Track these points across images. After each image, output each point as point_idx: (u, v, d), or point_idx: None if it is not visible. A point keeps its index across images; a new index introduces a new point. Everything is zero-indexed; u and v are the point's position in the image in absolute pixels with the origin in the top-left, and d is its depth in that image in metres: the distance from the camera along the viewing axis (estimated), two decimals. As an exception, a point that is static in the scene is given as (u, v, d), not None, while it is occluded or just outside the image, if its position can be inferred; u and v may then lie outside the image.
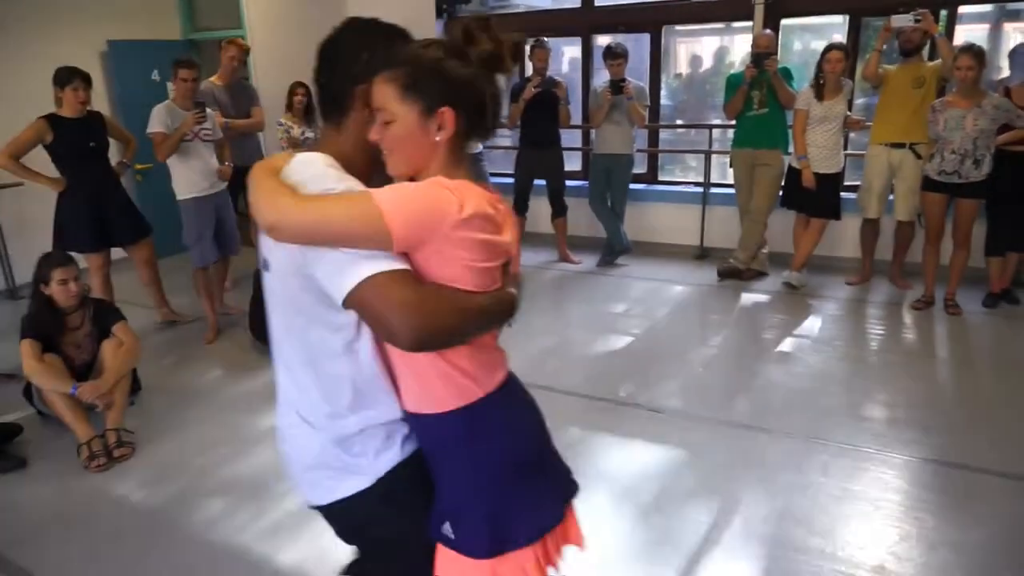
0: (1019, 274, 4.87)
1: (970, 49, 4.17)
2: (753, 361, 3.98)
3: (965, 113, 4.19)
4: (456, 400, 1.28)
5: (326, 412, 1.31)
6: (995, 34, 6.08)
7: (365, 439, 1.31)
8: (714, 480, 2.83)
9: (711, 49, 7.56)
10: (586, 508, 2.68)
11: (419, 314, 1.13)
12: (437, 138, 1.24)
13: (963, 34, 5.41)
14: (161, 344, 4.48)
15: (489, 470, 1.32)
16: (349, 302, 1.17)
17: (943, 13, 5.20)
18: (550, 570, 1.38)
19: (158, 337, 4.60)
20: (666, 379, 3.75)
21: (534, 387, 3.69)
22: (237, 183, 4.97)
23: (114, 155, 4.55)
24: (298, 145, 5.36)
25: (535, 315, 4.93)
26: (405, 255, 1.17)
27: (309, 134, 5.44)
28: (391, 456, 1.32)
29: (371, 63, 1.27)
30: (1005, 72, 5.53)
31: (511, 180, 5.97)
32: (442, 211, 1.15)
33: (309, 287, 1.22)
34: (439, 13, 6.89)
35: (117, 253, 4.53)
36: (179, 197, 4.39)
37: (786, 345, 4.16)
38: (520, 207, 5.90)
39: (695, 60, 7.75)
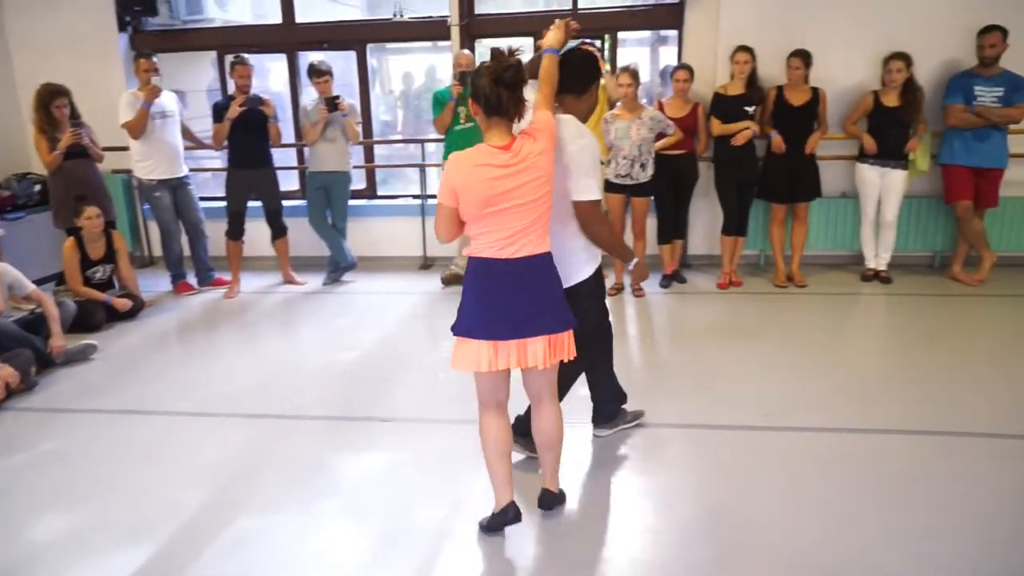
0: (684, 257, 5.82)
1: (627, 68, 4.88)
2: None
3: (630, 124, 4.89)
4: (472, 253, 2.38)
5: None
6: (654, 56, 7.16)
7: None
8: (446, 478, 2.97)
9: (422, 66, 7.88)
10: (323, 526, 2.66)
11: None
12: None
13: (626, 56, 6.30)
14: None
15: (464, 295, 2.41)
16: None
17: (607, 38, 6.01)
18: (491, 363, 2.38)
19: None
20: (401, 388, 3.85)
21: (264, 416, 3.58)
22: None
23: None
24: None
25: (263, 341, 4.75)
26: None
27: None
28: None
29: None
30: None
31: (223, 204, 5.66)
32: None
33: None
34: (123, 27, 6.30)
35: None
36: None
37: (507, 341, 4.49)
38: (235, 231, 5.61)
39: (407, 77, 8.02)
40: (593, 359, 2.99)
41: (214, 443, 3.30)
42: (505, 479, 2.53)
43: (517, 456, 2.89)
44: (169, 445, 3.32)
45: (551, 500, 2.67)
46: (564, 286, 2.50)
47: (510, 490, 2.54)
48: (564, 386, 2.87)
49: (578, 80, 2.67)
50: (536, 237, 2.35)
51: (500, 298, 2.33)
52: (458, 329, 2.40)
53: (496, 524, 2.56)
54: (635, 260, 2.86)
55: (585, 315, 2.68)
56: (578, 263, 2.69)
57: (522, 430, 2.86)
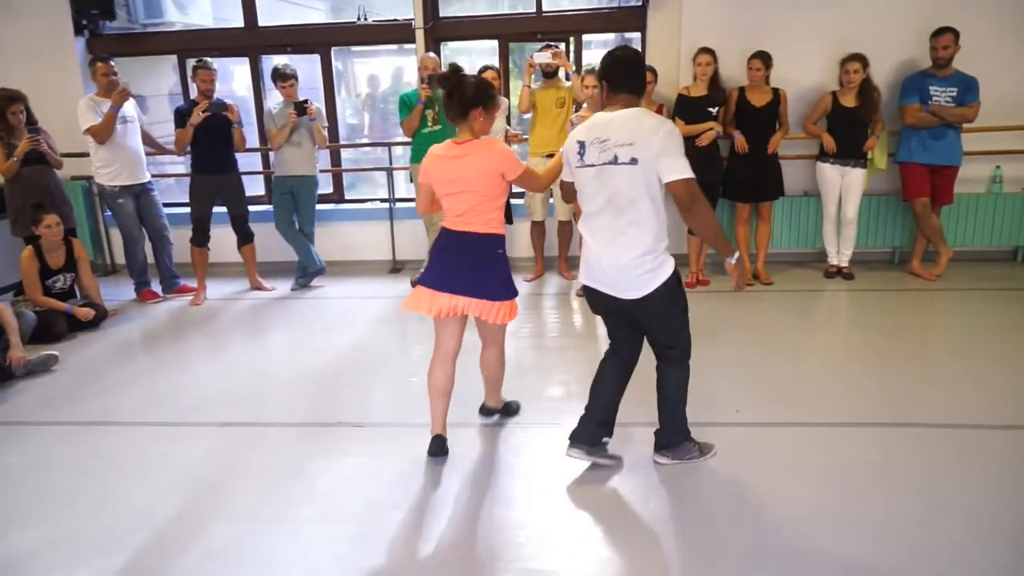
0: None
1: (592, 70, 4.92)
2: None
3: (596, 125, 4.93)
4: None
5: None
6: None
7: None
8: (420, 482, 2.96)
9: (388, 69, 7.84)
10: (297, 533, 2.64)
11: None
12: None
13: (591, 58, 6.35)
14: None
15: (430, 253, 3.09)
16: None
17: (571, 40, 6.06)
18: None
19: None
20: (373, 393, 3.83)
21: (234, 424, 3.54)
22: None
23: None
24: None
25: (231, 348, 4.69)
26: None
27: None
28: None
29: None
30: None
31: (188, 210, 5.57)
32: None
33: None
34: (79, 31, 6.18)
35: None
36: None
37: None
38: (200, 238, 5.53)
39: (373, 80, 7.98)
40: (665, 375, 2.93)
41: (183, 453, 3.25)
42: (439, 414, 3.11)
43: (583, 462, 3.02)
44: (136, 456, 3.26)
45: (488, 411, 3.40)
46: (635, 296, 2.68)
47: (441, 425, 3.12)
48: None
49: (637, 80, 2.77)
50: (485, 219, 2.89)
51: (449, 260, 2.93)
52: (418, 279, 3.01)
53: (431, 449, 3.10)
54: (736, 255, 2.71)
55: (664, 323, 2.80)
56: (647, 270, 2.65)
57: (584, 438, 2.99)
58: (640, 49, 5.99)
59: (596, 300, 2.86)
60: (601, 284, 2.77)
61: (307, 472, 3.06)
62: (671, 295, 2.72)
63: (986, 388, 3.62)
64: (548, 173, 3.08)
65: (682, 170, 2.55)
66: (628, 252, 2.65)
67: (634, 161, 2.57)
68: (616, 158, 2.60)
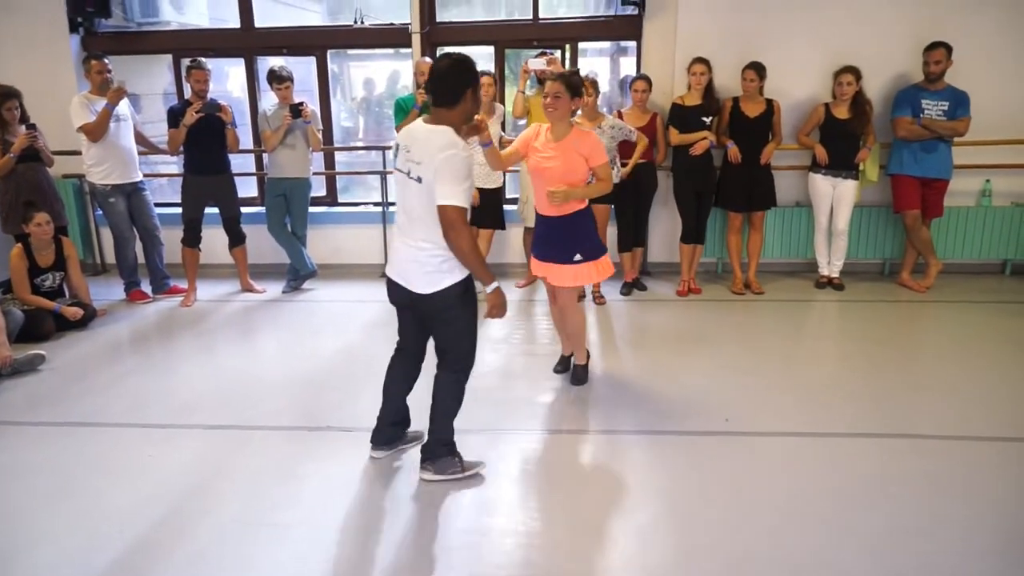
0: (644, 265, 5.90)
1: (586, 78, 4.92)
2: (440, 367, 4.22)
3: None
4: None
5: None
6: (614, 66, 7.26)
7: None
8: (408, 487, 2.95)
9: (384, 72, 7.85)
10: (284, 538, 2.62)
11: None
12: None
13: (586, 66, 6.37)
14: None
15: None
16: None
17: (567, 48, 6.07)
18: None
19: None
20: (362, 397, 3.80)
21: (222, 427, 3.54)
22: None
23: None
24: None
25: (220, 350, 4.67)
26: None
27: None
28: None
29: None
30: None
31: (179, 210, 5.54)
32: None
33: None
34: (74, 28, 6.16)
35: None
36: None
37: (469, 348, 4.49)
38: (191, 238, 5.50)
39: (369, 83, 7.98)
40: (440, 381, 2.97)
41: (170, 456, 3.23)
42: (561, 339, 4.02)
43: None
44: (122, 458, 3.23)
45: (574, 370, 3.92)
46: (424, 291, 2.75)
47: (566, 347, 3.99)
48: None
49: (448, 91, 2.65)
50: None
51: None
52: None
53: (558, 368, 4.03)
54: (494, 285, 2.77)
55: (445, 326, 2.85)
56: (435, 267, 2.72)
57: (384, 440, 3.17)
58: (636, 58, 6.01)
59: (393, 291, 2.90)
60: (397, 276, 2.84)
61: (295, 476, 3.05)
62: (457, 300, 2.78)
63: (975, 400, 3.64)
64: (508, 158, 3.66)
65: (450, 196, 2.57)
66: (420, 253, 2.73)
67: (419, 180, 2.63)
68: (410, 172, 2.67)
